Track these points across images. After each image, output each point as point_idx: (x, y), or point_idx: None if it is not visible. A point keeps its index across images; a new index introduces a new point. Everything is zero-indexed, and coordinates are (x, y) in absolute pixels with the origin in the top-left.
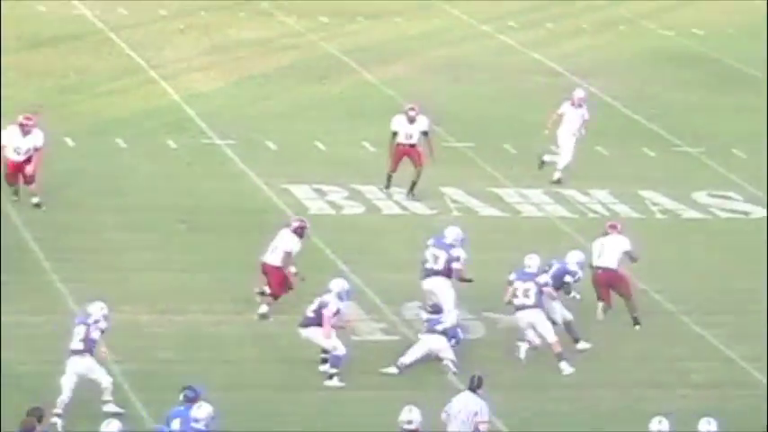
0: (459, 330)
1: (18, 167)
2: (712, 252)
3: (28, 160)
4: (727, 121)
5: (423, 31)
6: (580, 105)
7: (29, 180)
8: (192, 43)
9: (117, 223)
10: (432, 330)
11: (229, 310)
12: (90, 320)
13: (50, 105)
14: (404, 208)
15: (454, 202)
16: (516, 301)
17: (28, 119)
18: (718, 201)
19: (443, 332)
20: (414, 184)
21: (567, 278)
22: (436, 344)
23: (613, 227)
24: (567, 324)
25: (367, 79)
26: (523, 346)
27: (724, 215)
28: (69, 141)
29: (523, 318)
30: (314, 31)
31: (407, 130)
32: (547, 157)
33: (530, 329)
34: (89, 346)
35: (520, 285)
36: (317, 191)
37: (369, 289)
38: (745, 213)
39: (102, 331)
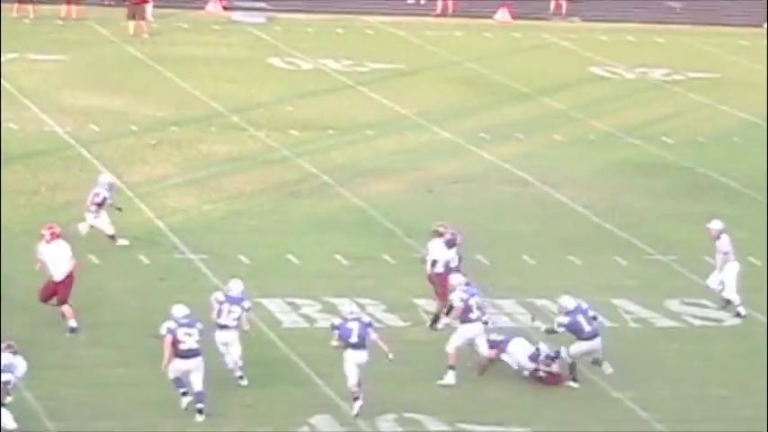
0: None
1: None
2: (686, 360)
3: None
4: (698, 229)
5: (394, 144)
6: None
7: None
8: (164, 158)
9: (89, 339)
10: None
11: (205, 425)
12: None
13: (22, 221)
14: (377, 320)
15: (427, 313)
16: (472, 316)
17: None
18: (692, 308)
19: None
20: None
21: None
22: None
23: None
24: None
25: (338, 192)
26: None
27: (697, 323)
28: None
29: (472, 330)
30: (285, 145)
31: (446, 257)
32: None
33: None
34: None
35: (474, 301)
36: (291, 304)
37: (344, 403)
38: (719, 321)
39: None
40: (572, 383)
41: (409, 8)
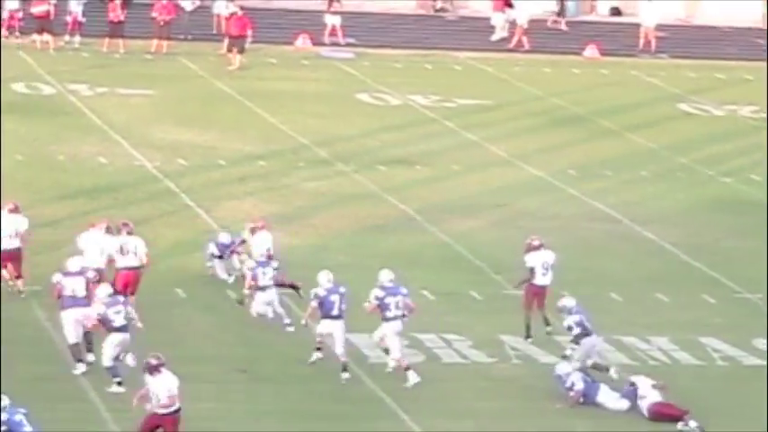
0: None
1: None
2: None
3: None
4: None
5: (481, 180)
6: None
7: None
8: (251, 193)
9: (176, 373)
10: None
11: None
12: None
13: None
14: (464, 356)
15: (514, 349)
16: (389, 314)
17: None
18: None
19: None
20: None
21: None
22: None
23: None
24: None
25: (425, 228)
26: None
27: None
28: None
29: (393, 328)
30: (372, 180)
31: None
32: None
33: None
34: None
35: (392, 300)
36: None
37: None
38: None
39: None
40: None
41: (497, 44)
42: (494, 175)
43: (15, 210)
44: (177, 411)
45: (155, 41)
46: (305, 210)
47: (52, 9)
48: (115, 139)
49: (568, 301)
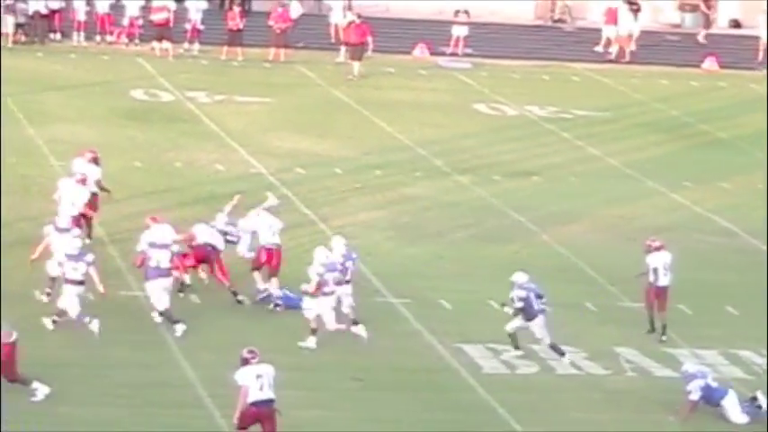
0: None
1: None
2: None
3: None
4: None
5: (598, 191)
6: None
7: None
8: (368, 202)
9: (289, 381)
10: None
11: None
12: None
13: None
14: (578, 368)
15: (629, 362)
16: (327, 290)
17: None
18: None
19: None
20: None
21: None
22: None
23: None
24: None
25: (541, 238)
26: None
27: None
28: (244, 298)
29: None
30: (488, 190)
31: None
32: None
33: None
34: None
35: (330, 276)
36: (491, 350)
37: None
38: None
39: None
40: None
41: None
42: (610, 186)
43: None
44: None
45: (272, 49)
46: (421, 219)
47: (171, 16)
48: (232, 146)
49: (520, 277)
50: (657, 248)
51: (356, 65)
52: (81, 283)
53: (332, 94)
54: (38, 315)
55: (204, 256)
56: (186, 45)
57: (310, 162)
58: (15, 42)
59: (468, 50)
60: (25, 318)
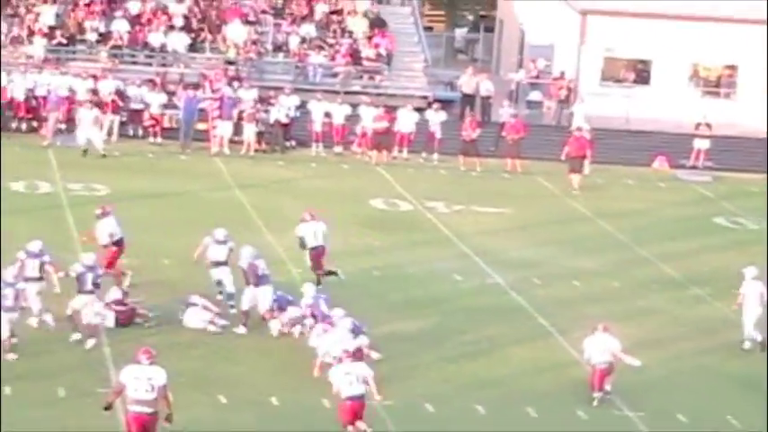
0: None
1: None
2: None
3: None
4: None
5: None
6: None
7: None
8: (605, 314)
9: None
10: None
11: None
12: None
13: (461, 375)
14: None
15: None
16: None
17: None
18: None
19: None
20: None
21: None
22: None
23: None
24: None
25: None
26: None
27: None
28: (480, 409)
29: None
30: (727, 304)
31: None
32: None
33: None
34: None
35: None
36: None
37: None
38: None
39: None
40: None
41: None
42: None
43: None
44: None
45: (509, 160)
46: (659, 332)
47: (392, 126)
48: (470, 256)
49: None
50: None
51: (575, 177)
52: None
53: (569, 204)
54: None
55: None
56: (424, 154)
57: (547, 273)
58: (257, 150)
59: (709, 163)
60: None
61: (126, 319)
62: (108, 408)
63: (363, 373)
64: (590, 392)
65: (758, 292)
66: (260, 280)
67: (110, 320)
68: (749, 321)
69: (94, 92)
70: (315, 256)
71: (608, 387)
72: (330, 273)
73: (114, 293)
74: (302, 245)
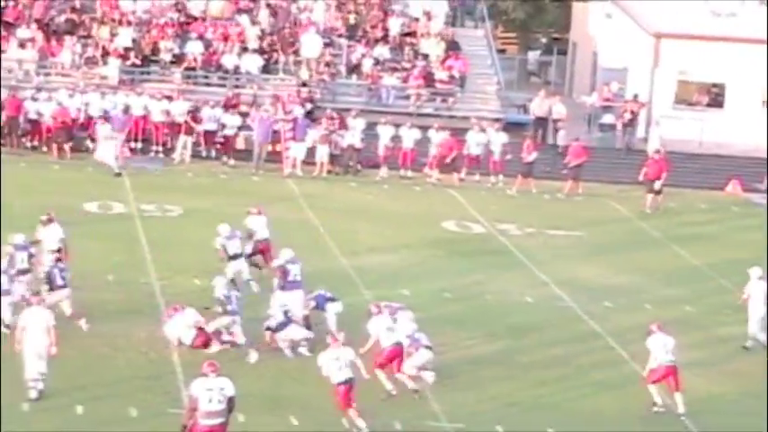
0: None
1: None
2: None
3: None
4: None
5: None
6: None
7: None
8: (677, 339)
9: None
10: None
11: None
12: None
13: (535, 394)
14: None
15: None
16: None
17: None
18: None
19: None
20: None
21: None
22: None
23: None
24: None
25: None
26: None
27: None
28: None
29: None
30: None
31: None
32: None
33: None
34: None
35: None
36: None
37: None
38: None
39: None
40: None
41: None
42: None
43: None
44: None
45: (568, 182)
46: (729, 357)
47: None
48: (542, 278)
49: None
50: None
51: (649, 197)
52: None
53: (641, 227)
54: None
55: None
56: (492, 178)
57: (617, 296)
58: (329, 172)
59: None
60: None
61: (202, 344)
62: (185, 429)
63: (350, 358)
64: (652, 407)
65: (763, 292)
66: (291, 285)
67: (187, 339)
68: (754, 321)
69: (167, 113)
70: (263, 248)
71: (681, 410)
72: (256, 264)
73: (194, 316)
74: (250, 236)
